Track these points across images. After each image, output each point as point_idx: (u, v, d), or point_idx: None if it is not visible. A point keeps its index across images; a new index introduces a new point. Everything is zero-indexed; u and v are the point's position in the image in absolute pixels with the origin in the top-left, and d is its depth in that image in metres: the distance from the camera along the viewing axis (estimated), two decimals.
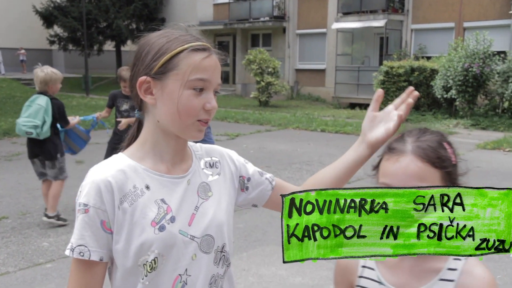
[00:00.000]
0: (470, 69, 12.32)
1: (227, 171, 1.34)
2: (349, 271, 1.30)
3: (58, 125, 5.21)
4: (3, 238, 4.83)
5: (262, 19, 21.36)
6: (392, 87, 14.44)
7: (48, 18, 24.91)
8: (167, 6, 25.85)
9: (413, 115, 13.57)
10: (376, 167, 1.25)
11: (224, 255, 1.28)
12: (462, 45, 13.19)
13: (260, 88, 17.78)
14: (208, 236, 1.23)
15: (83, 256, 1.14)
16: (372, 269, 1.26)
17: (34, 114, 4.90)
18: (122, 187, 1.15)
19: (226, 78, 24.21)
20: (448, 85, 12.97)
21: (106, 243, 1.16)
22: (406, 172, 1.13)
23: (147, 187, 1.18)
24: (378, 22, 17.72)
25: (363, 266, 1.28)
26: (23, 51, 28.44)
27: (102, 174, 1.16)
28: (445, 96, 13.30)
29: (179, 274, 1.19)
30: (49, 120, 4.94)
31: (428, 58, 16.24)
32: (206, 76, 1.17)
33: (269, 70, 17.62)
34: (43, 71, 4.98)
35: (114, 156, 1.23)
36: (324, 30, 20.17)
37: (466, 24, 16.43)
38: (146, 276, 1.17)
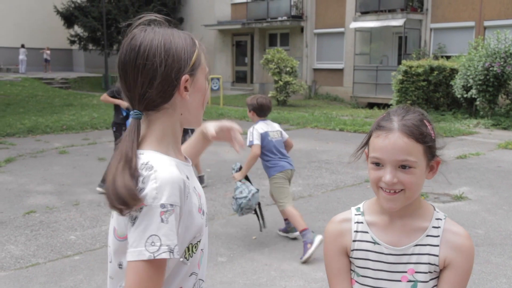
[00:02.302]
0: (491, 69, 12.20)
1: None
2: (343, 236, 1.41)
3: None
4: (32, 231, 4.98)
5: (280, 18, 21.39)
6: (411, 87, 14.36)
7: (68, 18, 25.30)
8: (185, 6, 26.04)
9: (433, 115, 13.48)
10: (364, 145, 1.40)
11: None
12: (483, 44, 13.06)
13: (278, 87, 17.83)
14: (207, 213, 1.35)
15: (172, 255, 1.12)
16: (366, 232, 1.39)
17: None
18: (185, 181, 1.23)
19: (243, 78, 24.30)
20: (468, 85, 12.86)
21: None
22: (395, 147, 1.28)
23: (187, 177, 1.24)
24: (397, 21, 17.62)
25: (356, 231, 1.40)
26: (48, 51, 28.92)
27: (175, 172, 1.17)
28: (465, 95, 13.18)
29: (202, 249, 1.30)
30: None
31: (448, 57, 16.11)
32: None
33: (287, 69, 17.66)
34: None
35: (151, 155, 1.20)
36: (342, 29, 20.13)
37: (486, 23, 16.25)
38: (191, 257, 1.25)
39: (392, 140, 1.28)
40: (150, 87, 1.20)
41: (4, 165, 8.02)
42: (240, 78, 24.48)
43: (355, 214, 1.43)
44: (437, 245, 1.34)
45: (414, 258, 1.34)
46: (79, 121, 12.91)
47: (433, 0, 17.54)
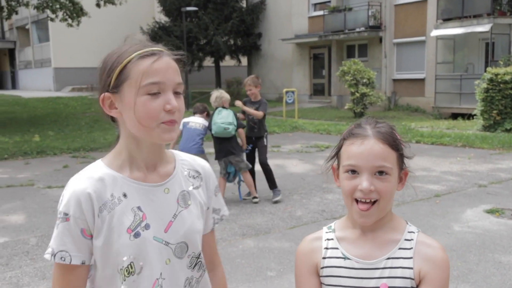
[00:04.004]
0: None
1: (204, 189, 1.38)
2: (313, 254, 1.36)
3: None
4: None
5: (357, 29, 21.02)
6: (497, 95, 13.40)
7: (153, 37, 26.60)
8: (263, 21, 26.43)
9: None
10: (335, 155, 1.36)
11: (200, 261, 1.34)
12: None
13: (354, 99, 17.46)
14: (182, 243, 1.28)
15: (64, 261, 1.20)
16: (336, 248, 1.34)
17: (226, 116, 6.14)
18: (101, 197, 1.21)
19: (321, 90, 24.11)
20: None
21: (87, 248, 1.23)
22: (371, 153, 1.25)
23: (125, 195, 1.23)
24: (483, 27, 16.61)
25: (326, 248, 1.35)
26: None
27: (82, 185, 1.21)
28: None
29: (156, 278, 1.24)
30: (235, 122, 6.21)
31: None
32: (157, 79, 1.20)
33: (364, 81, 17.26)
34: (218, 91, 6.44)
35: (93, 165, 1.28)
36: (423, 38, 19.36)
37: None
38: (124, 280, 1.22)
39: (369, 146, 1.26)
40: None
41: None
42: (318, 90, 24.32)
43: (326, 232, 1.39)
44: (411, 257, 1.29)
45: (387, 272, 1.28)
46: None
47: None
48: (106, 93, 1.23)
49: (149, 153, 1.27)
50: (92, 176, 1.23)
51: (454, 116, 17.07)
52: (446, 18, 18.11)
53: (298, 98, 19.97)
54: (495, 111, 13.23)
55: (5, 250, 4.86)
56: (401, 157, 1.31)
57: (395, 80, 20.73)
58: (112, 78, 1.22)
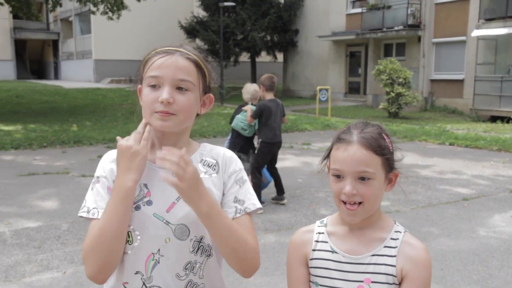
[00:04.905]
0: None
1: (220, 176, 1.44)
2: (304, 245, 1.44)
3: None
4: None
5: (395, 28, 20.69)
6: None
7: (191, 32, 26.94)
8: (300, 17, 26.33)
9: None
10: (326, 157, 1.43)
11: (202, 245, 1.39)
12: None
13: (389, 99, 17.24)
14: (182, 225, 1.35)
15: (94, 215, 1.37)
16: (325, 241, 1.42)
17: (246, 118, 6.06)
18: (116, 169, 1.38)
19: (356, 89, 23.87)
20: None
21: None
22: (354, 159, 1.31)
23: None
24: None
25: (316, 241, 1.43)
26: None
27: (109, 157, 1.45)
28: None
29: (152, 253, 1.34)
30: (257, 125, 6.14)
31: None
32: (156, 73, 1.34)
33: (400, 80, 17.00)
34: (252, 86, 6.34)
35: None
36: (463, 38, 18.89)
37: None
38: (129, 244, 1.36)
39: (352, 152, 1.32)
40: None
41: None
42: (353, 89, 24.08)
43: (318, 226, 1.47)
44: (394, 256, 1.35)
45: (371, 268, 1.35)
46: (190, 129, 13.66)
47: None
48: (140, 85, 1.43)
49: (164, 139, 1.40)
50: (116, 153, 1.41)
51: (493, 119, 16.64)
52: (489, 18, 17.62)
53: (333, 96, 19.84)
54: None
55: (38, 234, 5.10)
56: (387, 161, 1.36)
57: (432, 81, 20.33)
58: (140, 71, 1.42)
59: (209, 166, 1.43)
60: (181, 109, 1.34)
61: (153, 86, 1.34)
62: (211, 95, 1.47)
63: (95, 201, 1.38)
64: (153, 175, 1.37)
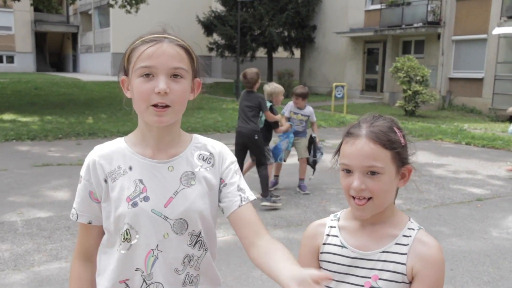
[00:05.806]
0: None
1: (216, 169, 1.42)
2: (316, 238, 1.44)
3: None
4: None
5: (415, 25, 20.42)
6: None
7: (208, 27, 26.95)
8: (319, 13, 26.16)
9: None
10: (337, 151, 1.40)
11: (201, 240, 1.37)
12: None
13: (406, 96, 17.04)
14: (181, 220, 1.33)
15: (72, 217, 1.40)
16: (336, 236, 1.41)
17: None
18: (108, 166, 1.34)
19: (373, 86, 23.67)
20: None
21: (94, 210, 1.36)
22: (361, 153, 1.29)
23: (130, 168, 1.34)
24: None
25: (328, 235, 1.42)
26: None
27: (96, 154, 1.38)
28: None
29: (151, 249, 1.31)
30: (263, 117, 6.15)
31: None
32: (148, 63, 1.27)
33: (417, 78, 16.79)
34: (269, 86, 6.44)
35: (115, 139, 1.44)
36: (484, 36, 18.58)
37: None
38: (120, 244, 1.32)
39: (359, 146, 1.30)
40: None
41: None
42: (370, 86, 23.88)
43: (331, 220, 1.46)
44: (405, 254, 1.31)
45: (379, 265, 1.33)
46: (204, 124, 13.66)
47: None
48: (123, 76, 1.36)
49: (157, 132, 1.35)
50: (106, 148, 1.39)
51: None
52: (511, 16, 17.29)
53: (349, 93, 19.68)
54: None
55: (49, 224, 5.15)
56: (398, 155, 1.32)
57: (451, 79, 20.04)
58: (124, 62, 1.35)
59: (204, 160, 1.42)
60: (176, 99, 1.30)
61: (147, 76, 1.27)
62: (198, 79, 1.42)
63: (77, 202, 1.40)
64: (148, 170, 1.34)
